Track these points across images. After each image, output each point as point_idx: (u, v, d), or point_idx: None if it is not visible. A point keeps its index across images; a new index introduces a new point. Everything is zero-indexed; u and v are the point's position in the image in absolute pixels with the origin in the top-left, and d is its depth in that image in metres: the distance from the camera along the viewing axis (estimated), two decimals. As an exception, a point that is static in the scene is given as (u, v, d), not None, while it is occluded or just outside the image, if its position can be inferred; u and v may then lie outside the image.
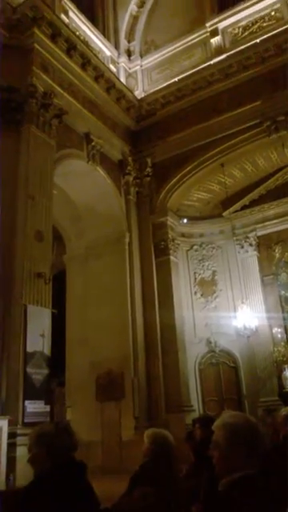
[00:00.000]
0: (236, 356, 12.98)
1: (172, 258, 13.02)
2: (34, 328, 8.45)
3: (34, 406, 8.22)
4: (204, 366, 13.04)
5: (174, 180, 13.02)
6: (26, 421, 7.97)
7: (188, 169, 12.86)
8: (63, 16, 11.77)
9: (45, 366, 8.60)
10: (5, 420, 7.24)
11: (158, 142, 13.43)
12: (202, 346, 13.09)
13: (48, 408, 8.55)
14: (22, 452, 7.53)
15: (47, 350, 8.70)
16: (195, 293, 13.68)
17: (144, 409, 11.34)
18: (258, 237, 13.71)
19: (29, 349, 8.32)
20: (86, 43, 12.23)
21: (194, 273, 13.90)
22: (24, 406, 8.03)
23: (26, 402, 8.09)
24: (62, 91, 10.75)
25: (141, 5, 15.46)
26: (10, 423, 7.37)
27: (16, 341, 8.19)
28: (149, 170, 13.34)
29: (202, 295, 13.66)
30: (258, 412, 11.65)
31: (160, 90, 13.53)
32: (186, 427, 9.87)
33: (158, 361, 11.87)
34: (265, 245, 13.70)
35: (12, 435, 7.36)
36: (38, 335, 8.53)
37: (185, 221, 13.94)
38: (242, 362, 12.88)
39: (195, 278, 13.85)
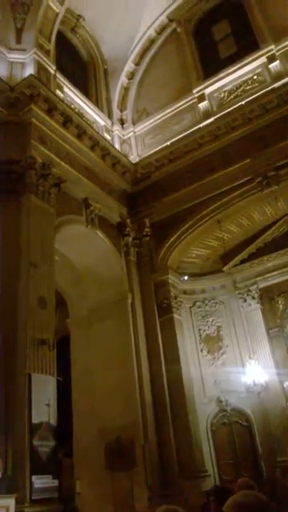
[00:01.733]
0: (248, 414, 12.56)
1: (175, 315, 12.93)
2: (39, 397, 8.22)
3: (42, 482, 7.84)
4: (216, 426, 12.58)
5: (173, 238, 13.23)
6: (33, 497, 7.59)
7: (186, 227, 13.10)
8: (58, 92, 12.47)
9: (51, 437, 8.29)
10: (12, 499, 6.87)
11: (154, 203, 13.77)
12: (212, 406, 12.70)
13: (56, 482, 8.16)
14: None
15: (53, 420, 8.41)
16: (201, 350, 13.46)
17: (157, 477, 10.79)
18: (260, 289, 13.70)
19: (34, 420, 8.04)
20: (80, 115, 12.90)
21: (199, 329, 13.76)
22: (31, 482, 7.66)
23: (34, 478, 7.72)
24: (59, 161, 11.17)
25: (131, 76, 16.45)
26: (17, 501, 7.00)
27: (21, 411, 7.95)
28: (147, 230, 13.57)
29: (208, 352, 13.44)
30: (276, 472, 11.16)
31: (153, 153, 14.08)
32: (201, 495, 9.39)
33: (169, 426, 11.40)
34: (267, 297, 13.66)
35: (20, 514, 6.98)
36: (43, 405, 8.28)
37: (186, 278, 13.98)
38: (254, 419, 12.44)
39: (200, 335, 13.69)
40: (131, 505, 10.49)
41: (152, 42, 16.47)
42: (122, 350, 11.97)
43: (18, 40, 11.94)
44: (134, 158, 14.64)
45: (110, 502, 10.68)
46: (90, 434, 11.55)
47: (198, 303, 14.06)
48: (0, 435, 7.69)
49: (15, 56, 11.68)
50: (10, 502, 6.85)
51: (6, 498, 6.85)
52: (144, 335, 12.42)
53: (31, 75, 10.86)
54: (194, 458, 11.30)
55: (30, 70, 11.28)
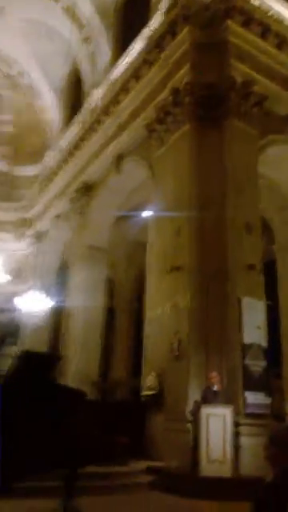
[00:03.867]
0: None
1: None
2: (249, 320, 8.49)
3: (255, 398, 8.27)
4: None
5: None
6: (247, 411, 8.09)
7: None
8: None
9: (262, 357, 8.56)
10: (228, 409, 7.43)
11: None
12: None
13: (269, 400, 8.50)
14: (245, 442, 7.68)
15: (264, 342, 8.63)
16: None
17: None
18: None
19: (246, 341, 8.39)
20: (279, 22, 11.63)
21: None
22: (244, 397, 8.16)
23: (246, 393, 8.20)
24: (259, 77, 10.44)
25: None
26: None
27: (233, 333, 8.33)
28: None
29: None
30: None
31: None
32: None
33: None
34: None
35: (235, 424, 7.52)
36: (254, 327, 8.53)
37: None
38: None
39: None
40: None
41: None
42: None
43: None
44: None
45: None
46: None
47: None
48: (216, 354, 8.26)
49: None
50: (227, 411, 7.42)
51: (224, 408, 7.44)
52: None
53: (226, -13, 10.14)
54: None
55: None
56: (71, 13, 16.21)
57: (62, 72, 18.60)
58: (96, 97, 15.22)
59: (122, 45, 15.33)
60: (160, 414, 8.90)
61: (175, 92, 9.98)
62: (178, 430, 8.20)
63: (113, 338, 18.38)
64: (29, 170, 22.35)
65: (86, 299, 13.71)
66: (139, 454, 8.76)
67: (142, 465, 8.08)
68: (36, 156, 22.03)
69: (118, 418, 9.80)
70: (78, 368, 13.06)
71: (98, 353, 13.64)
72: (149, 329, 9.91)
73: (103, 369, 14.30)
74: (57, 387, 5.47)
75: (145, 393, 9.47)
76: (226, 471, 7.14)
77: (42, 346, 16.80)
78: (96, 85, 15.70)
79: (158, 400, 9.05)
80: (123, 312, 18.96)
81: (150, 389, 9.24)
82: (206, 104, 9.48)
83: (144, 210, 13.09)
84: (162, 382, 8.99)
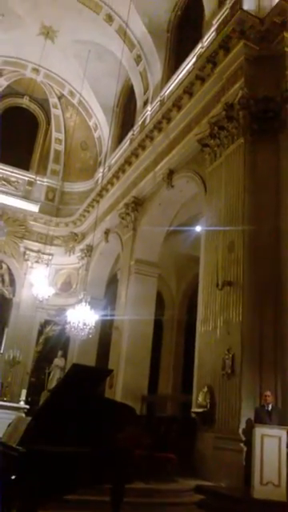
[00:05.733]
0: None
1: None
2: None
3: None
4: None
5: None
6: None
7: None
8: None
9: None
10: (284, 430, 7.16)
11: None
12: None
13: None
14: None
15: None
16: None
17: None
18: None
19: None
20: None
21: None
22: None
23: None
24: None
25: None
26: (288, 433, 7.26)
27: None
28: None
29: None
30: None
31: None
32: None
33: None
34: None
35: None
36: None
37: None
38: None
39: None
40: None
41: None
42: None
43: None
44: None
45: None
46: None
47: None
48: (270, 372, 8.02)
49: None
50: (283, 433, 7.15)
51: (279, 429, 7.17)
52: None
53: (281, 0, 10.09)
54: None
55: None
56: (123, 33, 16.67)
57: (113, 90, 19.06)
58: (147, 114, 15.51)
59: (173, 62, 15.60)
60: (210, 432, 8.71)
61: (229, 107, 9.96)
62: (229, 449, 7.99)
63: (161, 353, 18.31)
64: (79, 186, 22.98)
65: (134, 313, 13.77)
66: (188, 471, 8.62)
67: (191, 483, 7.92)
68: (86, 172, 22.63)
69: (166, 433, 9.71)
70: (125, 382, 13.08)
71: (146, 367, 13.61)
72: (200, 344, 9.79)
73: (152, 383, 14.22)
74: (106, 402, 5.49)
75: (195, 409, 9.33)
76: (280, 495, 6.85)
77: (90, 359, 16.99)
78: (148, 102, 16.01)
79: (208, 417, 8.88)
80: (172, 326, 18.90)
81: (200, 405, 9.09)
82: (261, 117, 9.40)
83: (194, 224, 13.09)
84: (212, 399, 8.82)
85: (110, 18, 16.87)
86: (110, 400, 6.81)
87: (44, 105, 23.56)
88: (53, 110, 23.44)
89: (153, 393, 15.43)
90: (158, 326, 16.44)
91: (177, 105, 12.64)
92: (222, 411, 8.46)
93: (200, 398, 9.12)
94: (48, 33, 18.90)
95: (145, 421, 10.96)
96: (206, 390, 9.00)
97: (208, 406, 8.86)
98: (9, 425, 4.41)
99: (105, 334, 16.77)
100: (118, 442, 4.83)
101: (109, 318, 15.63)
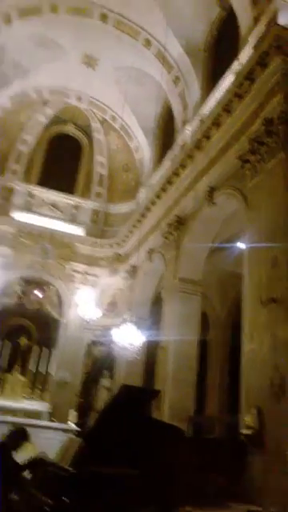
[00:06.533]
0: None
1: None
2: None
3: None
4: None
5: None
6: None
7: None
8: None
9: None
10: None
11: None
12: None
13: None
14: None
15: None
16: None
17: None
18: None
19: None
20: None
21: None
22: None
23: None
24: None
25: None
26: None
27: None
28: None
29: None
30: None
31: None
32: None
33: None
34: None
35: None
36: None
37: None
38: None
39: None
40: None
41: None
42: None
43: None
44: None
45: None
46: None
47: None
48: None
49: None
50: None
51: None
52: None
53: None
54: None
55: None
56: (161, 56, 17.02)
57: (153, 113, 19.41)
58: (187, 133, 15.64)
59: (211, 81, 15.72)
60: (260, 455, 8.40)
61: (268, 122, 9.89)
62: (280, 474, 7.66)
63: (207, 372, 17.99)
64: (122, 208, 23.32)
65: (179, 332, 13.65)
66: (238, 495, 8.31)
67: (242, 508, 7.63)
68: (129, 193, 22.98)
69: (215, 456, 9.45)
70: (171, 402, 12.91)
71: (191, 387, 13.39)
72: (246, 363, 9.54)
73: (198, 404, 13.96)
74: (154, 422, 5.42)
75: (243, 431, 9.04)
76: None
77: (136, 380, 16.92)
78: (187, 122, 16.16)
79: (257, 439, 8.56)
80: (218, 345, 18.58)
81: (248, 427, 8.80)
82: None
83: (237, 240, 12.93)
84: (262, 420, 8.52)
85: (148, 43, 17.30)
86: (158, 421, 6.73)
87: (86, 130, 24.32)
88: (95, 135, 24.12)
89: (199, 413, 15.11)
90: (203, 345, 16.20)
91: (216, 123, 12.68)
92: (272, 433, 8.15)
93: (248, 420, 8.82)
94: (89, 61, 19.64)
95: (192, 442, 10.73)
96: (254, 411, 8.72)
97: (257, 427, 8.56)
98: (61, 447, 4.47)
99: (150, 354, 16.70)
100: (166, 464, 4.76)
101: (154, 337, 15.57)
